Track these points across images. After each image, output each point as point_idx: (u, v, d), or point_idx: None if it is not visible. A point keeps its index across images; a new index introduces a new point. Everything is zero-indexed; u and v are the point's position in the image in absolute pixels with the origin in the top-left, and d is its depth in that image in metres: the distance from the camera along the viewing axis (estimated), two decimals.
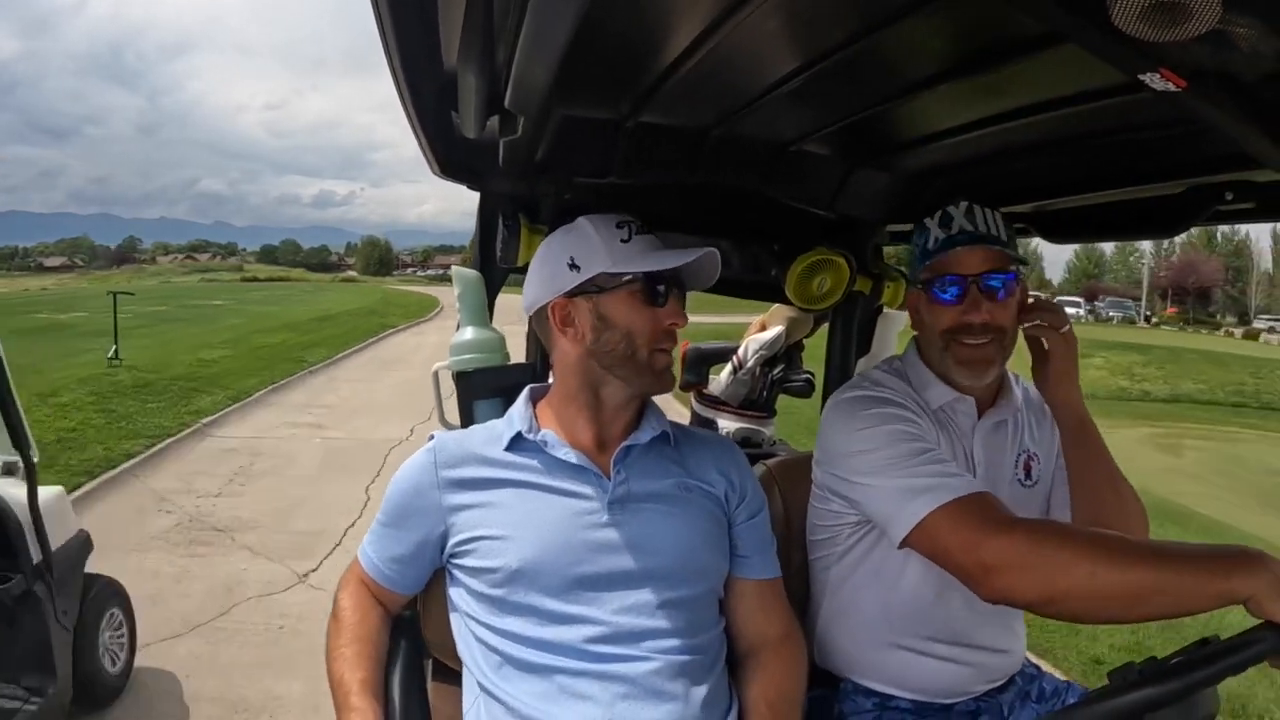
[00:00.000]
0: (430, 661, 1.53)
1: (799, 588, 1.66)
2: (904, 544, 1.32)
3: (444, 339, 1.46)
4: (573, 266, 1.35)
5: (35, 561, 3.10)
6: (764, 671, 1.38)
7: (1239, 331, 63.71)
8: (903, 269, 2.27)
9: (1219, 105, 0.74)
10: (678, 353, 1.48)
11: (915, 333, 1.59)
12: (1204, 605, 1.08)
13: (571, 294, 1.36)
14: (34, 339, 16.75)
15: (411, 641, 1.48)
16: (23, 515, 3.10)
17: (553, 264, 1.38)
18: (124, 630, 3.69)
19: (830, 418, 1.50)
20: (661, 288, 1.34)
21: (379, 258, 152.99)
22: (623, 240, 1.34)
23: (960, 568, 1.26)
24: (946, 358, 1.48)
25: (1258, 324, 68.64)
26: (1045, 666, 2.23)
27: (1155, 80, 0.70)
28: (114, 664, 3.57)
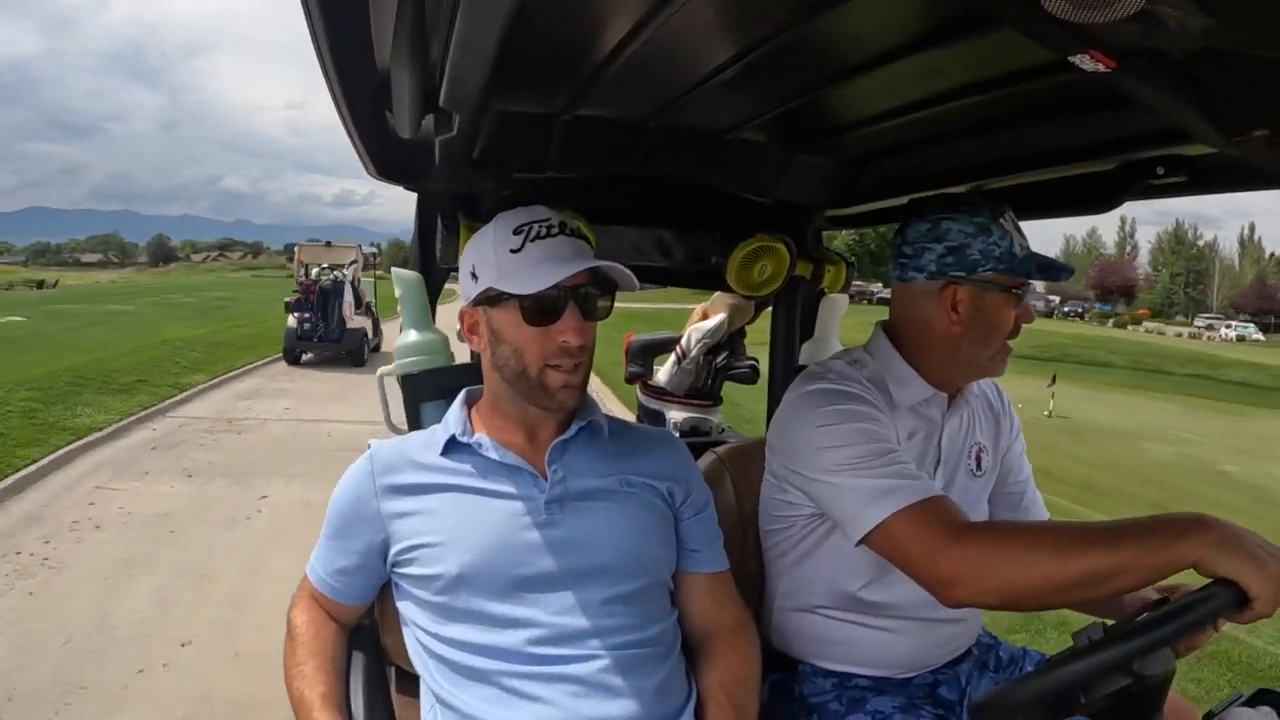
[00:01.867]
0: (392, 670, 1.51)
1: (755, 570, 1.68)
2: (861, 544, 1.34)
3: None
4: (473, 275, 1.33)
5: None
6: (719, 659, 1.38)
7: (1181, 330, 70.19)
8: (842, 253, 2.29)
9: (1149, 84, 0.75)
10: (621, 345, 1.46)
11: (935, 329, 1.50)
12: (1158, 575, 1.13)
13: (475, 303, 1.35)
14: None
15: (371, 651, 1.46)
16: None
17: (464, 270, 1.37)
18: None
19: (791, 408, 1.49)
20: (552, 304, 1.28)
21: (404, 258, 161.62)
22: (512, 250, 1.30)
23: (921, 578, 1.28)
24: (999, 356, 1.49)
25: (1197, 323, 77.33)
26: None
27: (1085, 61, 0.71)
28: None
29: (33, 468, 6.95)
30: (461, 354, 1.86)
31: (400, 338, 1.75)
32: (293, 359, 14.82)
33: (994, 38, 1.08)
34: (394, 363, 1.75)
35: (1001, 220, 1.46)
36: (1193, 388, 29.44)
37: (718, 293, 2.71)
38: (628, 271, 1.33)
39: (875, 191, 1.95)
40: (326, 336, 14.37)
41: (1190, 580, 1.14)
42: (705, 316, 2.82)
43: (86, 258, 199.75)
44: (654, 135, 1.67)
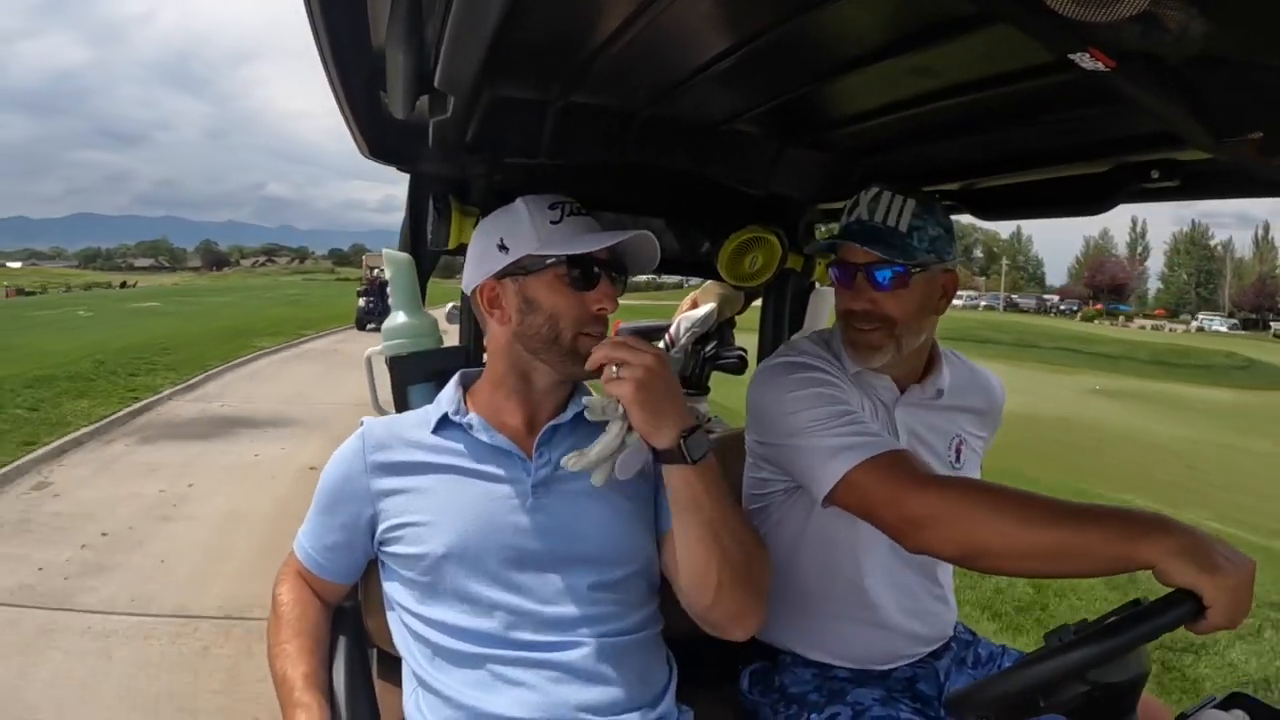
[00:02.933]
0: (374, 652, 1.51)
1: None
2: (828, 501, 1.34)
3: None
4: (502, 248, 1.33)
5: None
6: None
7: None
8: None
9: (1146, 86, 0.75)
10: (610, 333, 1.46)
11: None
12: (1115, 569, 1.14)
13: (500, 275, 1.34)
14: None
15: (354, 633, 1.46)
16: None
17: (484, 245, 1.36)
18: None
19: (757, 384, 1.51)
20: (590, 271, 1.31)
21: (446, 263, 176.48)
22: (553, 222, 1.32)
23: (885, 522, 1.29)
24: (845, 338, 1.52)
25: (1194, 321, 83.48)
26: None
27: (1085, 60, 0.71)
28: None
29: (240, 358, 15.65)
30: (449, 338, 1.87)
31: (389, 319, 1.75)
32: (360, 327, 22.62)
33: (990, 36, 1.08)
34: (382, 344, 1.74)
35: (862, 192, 1.51)
36: (1047, 356, 33.99)
37: (708, 282, 2.71)
38: (654, 242, 1.36)
39: (867, 186, 1.95)
40: (382, 313, 18.47)
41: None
42: (695, 305, 2.81)
43: (139, 262, 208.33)
44: (647, 124, 1.67)
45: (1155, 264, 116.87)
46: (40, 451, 7.34)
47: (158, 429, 9.05)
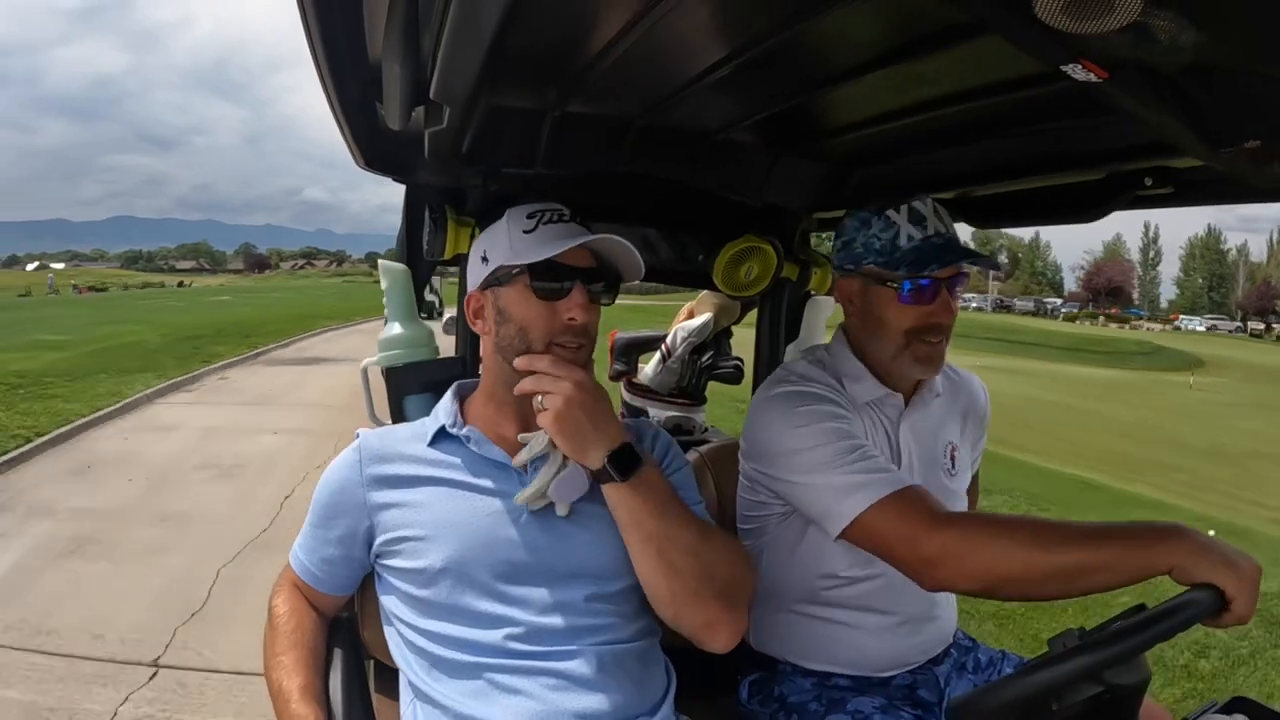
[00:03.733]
0: (371, 663, 1.50)
1: None
2: (840, 538, 1.34)
3: None
4: (484, 259, 1.34)
5: None
6: None
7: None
8: (827, 255, 2.30)
9: (1139, 96, 0.76)
10: (605, 342, 1.45)
11: (847, 324, 1.57)
12: (1136, 577, 1.14)
13: (482, 287, 1.35)
14: None
15: (350, 644, 1.45)
16: None
17: (473, 257, 1.37)
18: None
19: (760, 414, 1.49)
20: (559, 280, 1.29)
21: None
22: (526, 231, 1.31)
23: (900, 561, 1.29)
24: (905, 355, 1.47)
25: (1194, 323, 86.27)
26: None
27: (1077, 71, 0.71)
28: None
29: (312, 331, 22.11)
30: (445, 348, 1.87)
31: (385, 330, 1.74)
32: None
33: (984, 46, 1.08)
34: (378, 354, 1.74)
35: (890, 213, 1.46)
36: (970, 344, 35.27)
37: (704, 292, 2.71)
38: (633, 251, 1.33)
39: (863, 195, 1.96)
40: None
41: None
42: (691, 315, 2.82)
43: (180, 264, 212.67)
44: (643, 134, 1.67)
45: (1170, 269, 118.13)
46: (214, 366, 14.08)
47: (272, 362, 16.07)
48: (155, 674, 3.60)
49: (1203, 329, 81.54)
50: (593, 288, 1.31)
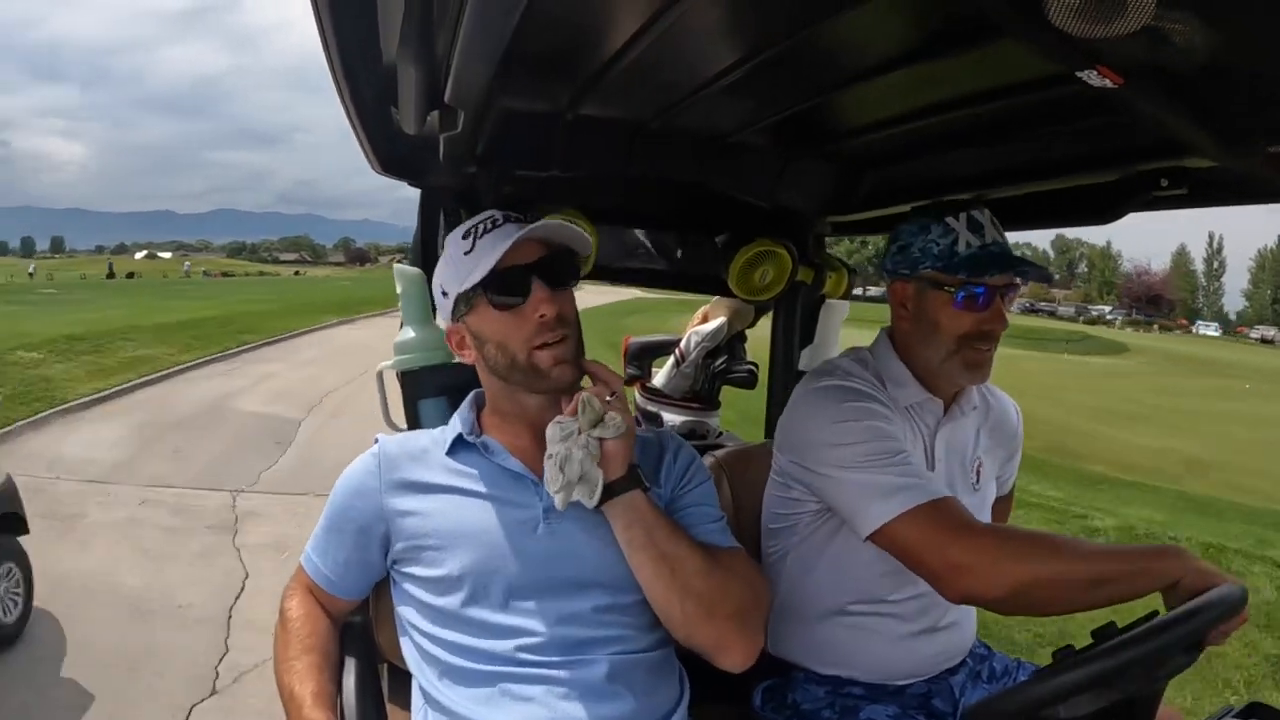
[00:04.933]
0: (385, 666, 1.51)
1: None
2: (869, 540, 1.35)
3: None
4: (444, 294, 1.33)
5: None
6: None
7: None
8: (841, 258, 2.29)
9: (1155, 100, 0.75)
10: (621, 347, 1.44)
11: (897, 328, 1.56)
12: (1144, 590, 1.20)
13: (453, 320, 1.34)
14: None
15: (365, 648, 1.45)
16: None
17: (436, 294, 1.37)
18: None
19: (802, 405, 1.50)
20: (513, 286, 1.26)
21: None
22: (465, 253, 1.29)
23: (928, 568, 1.30)
24: (954, 360, 1.47)
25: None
26: None
27: (1093, 77, 0.71)
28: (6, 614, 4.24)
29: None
30: None
31: (400, 334, 1.74)
32: None
33: (997, 49, 1.08)
34: (393, 358, 1.74)
35: (950, 220, 1.46)
36: None
37: (718, 296, 2.70)
38: (569, 226, 1.31)
39: (876, 198, 1.95)
40: None
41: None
42: (705, 319, 2.81)
43: (283, 256, 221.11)
44: (656, 136, 1.67)
45: (1239, 280, 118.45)
46: (364, 314, 25.21)
47: (373, 320, 23.30)
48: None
49: (1216, 334, 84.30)
50: (551, 276, 1.28)
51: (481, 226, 1.30)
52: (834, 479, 1.40)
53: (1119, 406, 19.57)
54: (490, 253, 1.24)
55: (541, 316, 1.26)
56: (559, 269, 1.30)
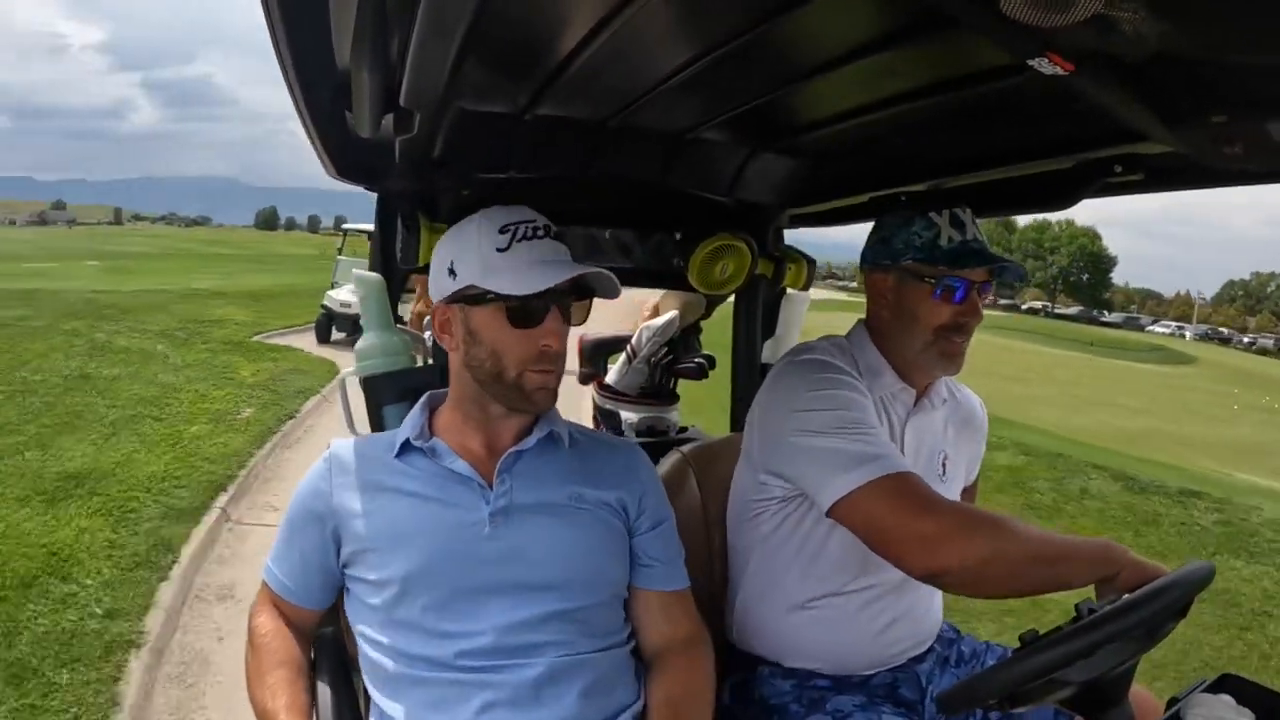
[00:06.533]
0: (359, 677, 1.49)
1: (719, 571, 1.68)
2: (831, 511, 1.34)
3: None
4: (451, 272, 1.30)
5: None
6: (670, 672, 1.34)
7: None
8: (801, 250, 2.30)
9: (1106, 87, 0.77)
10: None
11: (874, 318, 1.59)
12: (1097, 574, 1.25)
13: (449, 301, 1.31)
14: None
15: (337, 660, 1.43)
16: None
17: (437, 265, 1.34)
18: None
19: (777, 379, 1.52)
20: (536, 308, 1.26)
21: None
22: (499, 249, 1.27)
23: (893, 542, 1.30)
24: (930, 351, 1.49)
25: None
26: None
27: (1044, 64, 0.72)
28: None
29: None
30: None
31: (361, 340, 1.72)
32: None
33: (952, 39, 1.09)
34: (355, 364, 1.72)
35: (932, 214, 1.49)
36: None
37: (666, 289, 2.71)
38: (613, 279, 1.32)
39: (835, 190, 1.96)
40: None
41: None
42: (657, 313, 2.81)
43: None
44: (615, 135, 1.66)
45: None
46: None
47: None
48: None
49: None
50: (566, 311, 1.30)
51: (524, 229, 1.29)
52: (801, 446, 1.40)
53: None
54: (531, 269, 1.25)
55: (546, 346, 1.27)
56: (574, 306, 1.32)
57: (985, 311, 1.52)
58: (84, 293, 15.37)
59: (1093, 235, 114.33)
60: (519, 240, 1.28)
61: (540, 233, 1.30)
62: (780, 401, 1.48)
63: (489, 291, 1.25)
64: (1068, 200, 1.59)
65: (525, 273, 1.24)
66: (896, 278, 1.52)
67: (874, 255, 1.56)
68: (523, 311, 1.26)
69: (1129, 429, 14.20)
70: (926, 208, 1.50)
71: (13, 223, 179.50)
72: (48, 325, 10.74)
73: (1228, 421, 18.52)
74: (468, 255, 1.28)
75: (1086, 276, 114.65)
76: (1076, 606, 1.10)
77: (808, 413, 1.41)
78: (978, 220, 1.52)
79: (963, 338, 1.49)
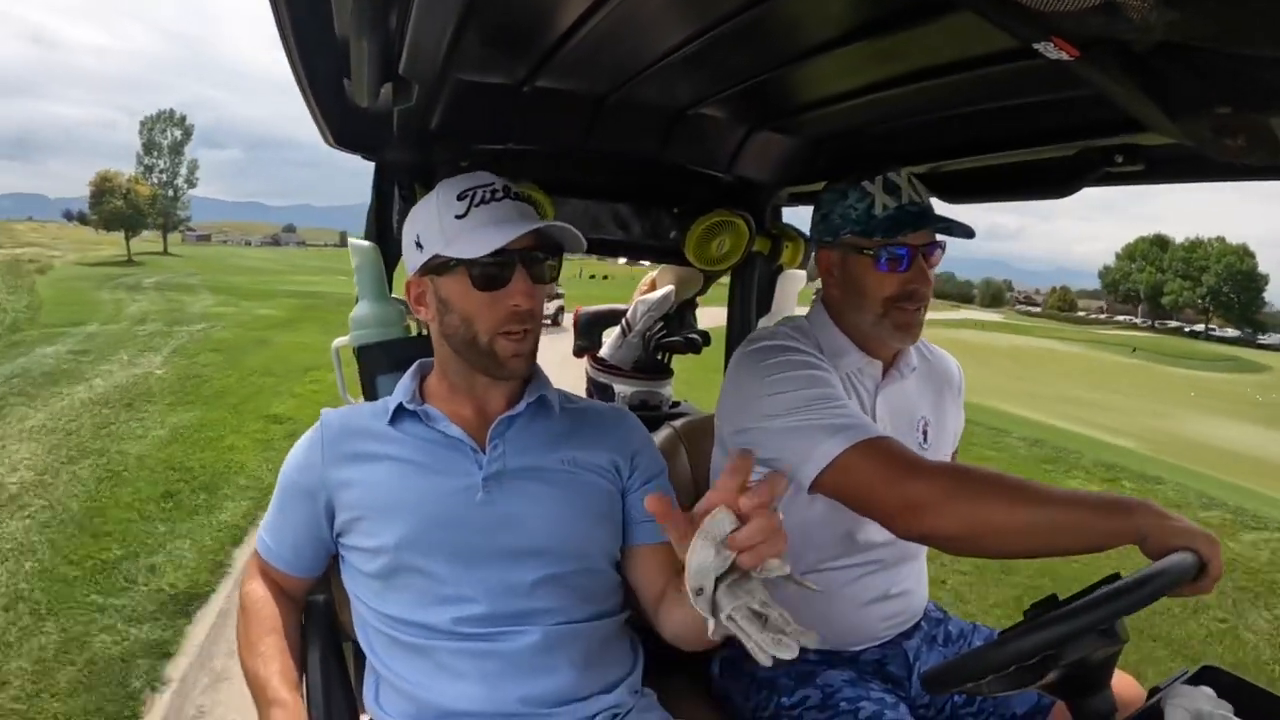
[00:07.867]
0: (350, 645, 1.50)
1: None
2: (815, 485, 1.32)
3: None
4: (418, 245, 1.29)
5: None
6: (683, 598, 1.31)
7: None
8: (798, 229, 2.30)
9: (1110, 74, 0.76)
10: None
11: (827, 295, 1.57)
12: (1108, 541, 1.15)
13: (421, 273, 1.31)
14: None
15: (327, 627, 1.45)
16: None
17: (407, 239, 1.32)
18: None
19: (737, 368, 1.49)
20: (499, 269, 1.24)
21: (993, 294, 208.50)
22: (457, 216, 1.25)
23: (881, 504, 1.28)
24: (884, 323, 1.48)
25: None
26: None
27: (1049, 49, 0.71)
28: None
29: None
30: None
31: (355, 309, 1.72)
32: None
33: (955, 21, 1.08)
34: (349, 333, 1.72)
35: (865, 184, 1.46)
36: None
37: (664, 264, 2.70)
38: (575, 232, 1.29)
39: (833, 170, 1.95)
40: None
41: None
42: (653, 288, 2.80)
43: None
44: (614, 109, 1.65)
45: None
46: None
47: None
48: None
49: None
50: (535, 269, 1.27)
51: (480, 193, 1.26)
52: (774, 430, 1.38)
53: None
54: (488, 228, 1.23)
55: (515, 306, 1.25)
56: (543, 264, 1.29)
57: (1160, 337, 1.47)
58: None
59: (1242, 253, 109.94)
60: (476, 205, 1.26)
61: (499, 194, 1.28)
62: (744, 390, 1.46)
63: (451, 258, 1.24)
64: (1067, 188, 1.58)
65: (482, 234, 1.23)
66: (840, 253, 1.50)
67: (818, 233, 1.54)
68: (486, 274, 1.24)
69: None
70: (858, 177, 1.47)
71: (249, 243, 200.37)
72: None
73: None
74: (430, 226, 1.27)
75: (1239, 295, 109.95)
76: (1032, 605, 1.10)
77: (773, 397, 1.39)
78: (972, 199, 1.50)
79: (915, 305, 1.47)
